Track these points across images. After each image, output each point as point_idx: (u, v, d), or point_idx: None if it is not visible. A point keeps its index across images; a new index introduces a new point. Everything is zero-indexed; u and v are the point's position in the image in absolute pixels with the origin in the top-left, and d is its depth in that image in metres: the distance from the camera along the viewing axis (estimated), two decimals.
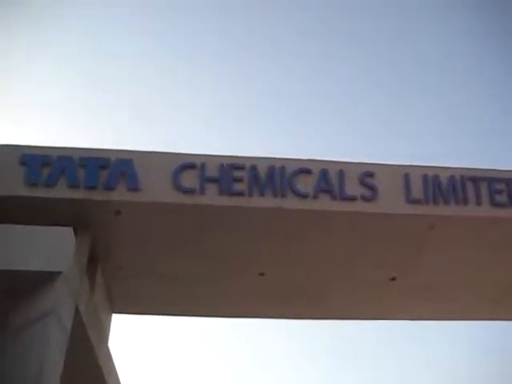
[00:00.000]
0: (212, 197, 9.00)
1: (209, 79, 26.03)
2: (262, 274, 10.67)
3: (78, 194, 8.78)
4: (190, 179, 9.06)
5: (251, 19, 24.14)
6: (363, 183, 9.28)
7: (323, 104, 27.36)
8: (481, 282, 11.48)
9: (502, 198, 9.59)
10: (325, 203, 9.14)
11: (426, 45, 25.08)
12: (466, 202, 9.49)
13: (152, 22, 23.06)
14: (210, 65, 25.45)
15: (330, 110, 27.66)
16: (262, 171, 9.18)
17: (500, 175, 9.80)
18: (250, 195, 9.05)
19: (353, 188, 9.23)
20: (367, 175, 9.34)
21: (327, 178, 9.23)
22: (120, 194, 8.86)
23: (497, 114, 27.00)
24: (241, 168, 9.21)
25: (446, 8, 22.96)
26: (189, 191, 8.96)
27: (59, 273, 7.58)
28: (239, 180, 9.11)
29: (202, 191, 9.00)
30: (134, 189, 8.86)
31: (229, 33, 24.56)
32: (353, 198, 9.17)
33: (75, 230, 8.28)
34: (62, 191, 8.76)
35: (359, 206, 9.17)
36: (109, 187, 8.85)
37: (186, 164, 9.16)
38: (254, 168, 9.18)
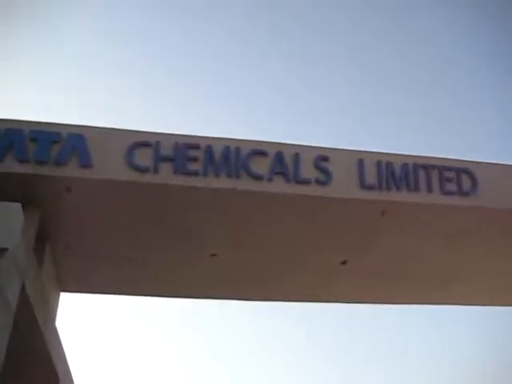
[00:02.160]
0: (166, 176, 8.88)
1: (168, 60, 25.69)
2: (214, 255, 10.62)
3: (27, 169, 8.49)
4: (143, 157, 8.89)
5: None
6: (318, 167, 9.31)
7: (279, 88, 27.42)
8: (428, 268, 11.76)
9: (452, 186, 9.80)
10: (279, 186, 9.13)
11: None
12: (417, 189, 9.65)
13: None
14: (169, 44, 25.12)
15: (287, 94, 27.73)
16: (218, 151, 9.10)
17: (451, 164, 10.00)
18: (205, 175, 8.96)
19: (307, 171, 9.25)
20: (322, 159, 9.38)
21: (282, 161, 9.22)
22: (71, 170, 8.62)
23: (451, 100, 27.53)
24: (196, 148, 9.10)
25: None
26: (142, 169, 8.80)
27: (5, 249, 7.34)
28: (194, 160, 9.00)
29: (156, 170, 8.86)
30: (86, 165, 8.64)
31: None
32: (307, 182, 9.20)
33: (23, 206, 7.98)
34: (10, 165, 8.45)
35: (313, 190, 9.20)
36: (59, 163, 8.60)
37: (141, 142, 8.98)
38: (209, 148, 9.09)
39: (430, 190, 9.69)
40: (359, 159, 9.53)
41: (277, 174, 9.17)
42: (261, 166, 9.15)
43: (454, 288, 12.66)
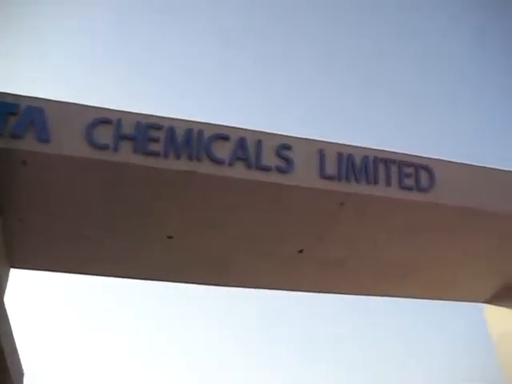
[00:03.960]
0: (126, 155, 8.74)
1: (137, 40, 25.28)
2: (170, 237, 10.55)
3: None
4: (104, 135, 8.72)
5: None
6: (279, 155, 9.31)
7: (245, 76, 27.33)
8: (384, 260, 11.94)
9: (410, 181, 9.94)
10: (240, 171, 9.11)
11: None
12: (376, 182, 9.76)
13: None
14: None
15: (252, 82, 27.66)
16: (180, 133, 9.00)
17: (410, 160, 10.14)
18: (165, 156, 8.86)
19: (269, 159, 9.24)
20: (284, 147, 9.38)
21: (244, 147, 9.19)
22: (27, 144, 8.40)
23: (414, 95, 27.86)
24: (158, 128, 8.98)
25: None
26: (102, 147, 8.64)
27: None
28: (155, 140, 8.88)
29: (116, 148, 8.71)
30: (43, 139, 8.43)
31: None
32: (268, 169, 9.19)
33: None
34: None
35: (273, 177, 9.21)
36: (16, 135, 8.36)
37: (102, 119, 8.81)
38: (171, 129, 8.98)
39: (388, 183, 9.80)
40: (320, 149, 9.57)
41: (238, 159, 9.14)
42: (222, 151, 9.10)
43: (410, 281, 12.89)
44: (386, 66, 26.78)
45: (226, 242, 10.93)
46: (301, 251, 11.19)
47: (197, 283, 13.04)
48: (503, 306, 13.48)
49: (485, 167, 10.83)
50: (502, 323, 13.52)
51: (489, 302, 13.88)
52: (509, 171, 10.97)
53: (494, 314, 13.78)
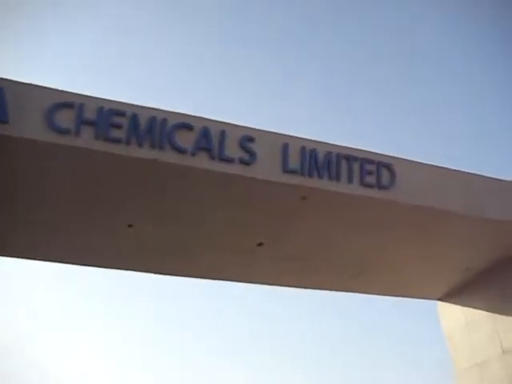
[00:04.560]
0: (87, 140, 8.57)
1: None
2: (130, 226, 10.46)
3: None
4: (65, 118, 8.51)
5: None
6: (243, 147, 9.29)
7: (212, 64, 27.20)
8: (345, 256, 12.10)
9: (371, 179, 10.04)
10: (202, 161, 9.05)
11: None
12: (338, 178, 9.83)
13: None
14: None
15: (218, 70, 27.54)
16: (143, 121, 8.88)
17: (373, 157, 10.23)
18: (128, 143, 8.74)
19: (232, 150, 9.21)
20: (247, 139, 9.35)
21: (208, 137, 9.12)
22: None
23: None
24: (121, 114, 8.84)
25: None
26: (62, 131, 8.45)
27: None
28: (118, 126, 8.74)
29: (77, 133, 8.53)
30: (2, 121, 8.21)
31: None
32: (231, 160, 9.16)
33: None
34: None
35: (236, 169, 9.19)
36: None
37: (63, 102, 8.60)
38: (134, 116, 8.84)
39: (350, 180, 9.89)
40: (284, 143, 9.58)
41: (201, 149, 9.08)
42: (186, 140, 9.02)
43: (367, 277, 13.11)
44: (360, 62, 26.87)
45: (187, 232, 10.89)
46: (260, 244, 11.22)
47: (157, 273, 12.97)
48: (454, 303, 13.84)
49: (445, 168, 11.01)
50: (453, 320, 13.89)
51: (442, 299, 14.23)
52: (468, 173, 11.19)
53: (446, 311, 14.13)
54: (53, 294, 23.63)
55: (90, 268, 12.62)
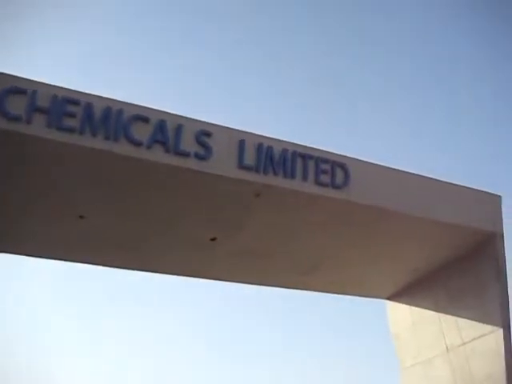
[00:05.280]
0: (39, 128, 8.35)
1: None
2: (82, 217, 10.29)
3: None
4: (17, 105, 8.28)
5: None
6: (199, 141, 9.23)
7: (169, 55, 26.98)
8: (296, 253, 12.20)
9: (326, 178, 10.15)
10: (157, 155, 8.95)
11: None
12: (293, 176, 9.89)
13: None
14: None
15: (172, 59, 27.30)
16: (98, 111, 8.72)
17: (328, 157, 10.33)
18: (81, 133, 8.56)
19: (188, 144, 9.14)
20: (204, 134, 9.30)
21: (164, 130, 9.02)
22: None
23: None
24: (75, 103, 8.64)
25: None
26: (13, 118, 8.22)
27: None
28: (72, 115, 8.55)
29: (29, 120, 8.30)
30: None
31: None
32: (186, 154, 9.09)
33: None
34: None
35: (191, 163, 9.12)
36: None
37: (16, 88, 8.35)
38: (89, 105, 8.67)
39: (304, 178, 9.96)
40: (241, 139, 9.57)
41: (157, 142, 8.98)
42: (141, 132, 8.90)
43: (319, 275, 13.25)
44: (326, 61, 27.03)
45: (139, 225, 10.79)
46: (214, 239, 11.22)
47: (109, 266, 12.82)
48: (402, 302, 14.16)
49: (398, 170, 11.20)
50: (400, 319, 14.20)
51: (390, 298, 14.53)
52: (419, 175, 11.40)
53: (395, 311, 14.44)
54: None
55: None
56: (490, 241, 11.70)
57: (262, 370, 23.41)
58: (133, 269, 12.99)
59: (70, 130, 8.52)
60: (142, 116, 8.99)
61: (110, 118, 8.76)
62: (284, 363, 24.11)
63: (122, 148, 8.77)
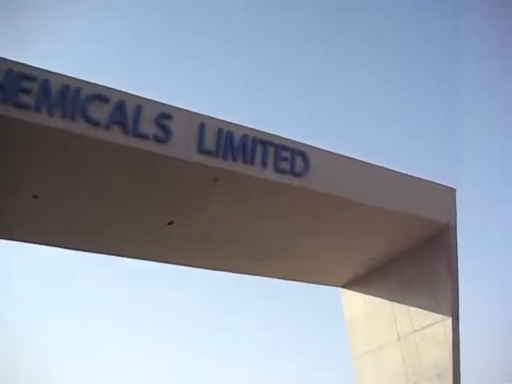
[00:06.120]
0: None
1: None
2: (35, 197, 10.04)
3: None
4: None
5: None
6: (158, 124, 9.10)
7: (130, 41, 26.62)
8: (254, 239, 12.24)
9: (285, 165, 10.16)
10: (116, 136, 8.78)
11: None
12: (252, 162, 9.87)
13: None
14: None
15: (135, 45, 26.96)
16: (55, 88, 8.47)
17: (288, 144, 10.33)
18: (37, 111, 8.30)
19: (147, 126, 8.99)
20: (164, 116, 9.17)
21: (123, 111, 8.84)
22: None
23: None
24: (32, 79, 8.36)
25: None
26: None
27: None
28: (27, 92, 8.27)
29: None
30: None
31: None
32: (145, 136, 8.95)
33: None
34: None
35: (150, 146, 8.99)
36: None
37: None
38: (46, 82, 8.40)
39: (264, 165, 9.95)
40: (201, 123, 9.48)
41: (115, 123, 8.81)
42: (100, 112, 8.71)
43: (275, 262, 13.32)
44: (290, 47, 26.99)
45: (95, 206, 10.61)
46: (171, 223, 11.12)
47: (64, 247, 12.57)
48: (357, 291, 14.39)
49: (357, 159, 11.29)
50: (354, 307, 14.44)
51: (345, 286, 14.75)
52: (378, 166, 11.54)
53: (349, 299, 14.66)
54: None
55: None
56: (444, 232, 11.97)
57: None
58: (88, 251, 12.79)
59: (26, 107, 8.27)
60: (101, 95, 8.79)
61: (68, 97, 8.53)
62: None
63: (80, 127, 8.56)
